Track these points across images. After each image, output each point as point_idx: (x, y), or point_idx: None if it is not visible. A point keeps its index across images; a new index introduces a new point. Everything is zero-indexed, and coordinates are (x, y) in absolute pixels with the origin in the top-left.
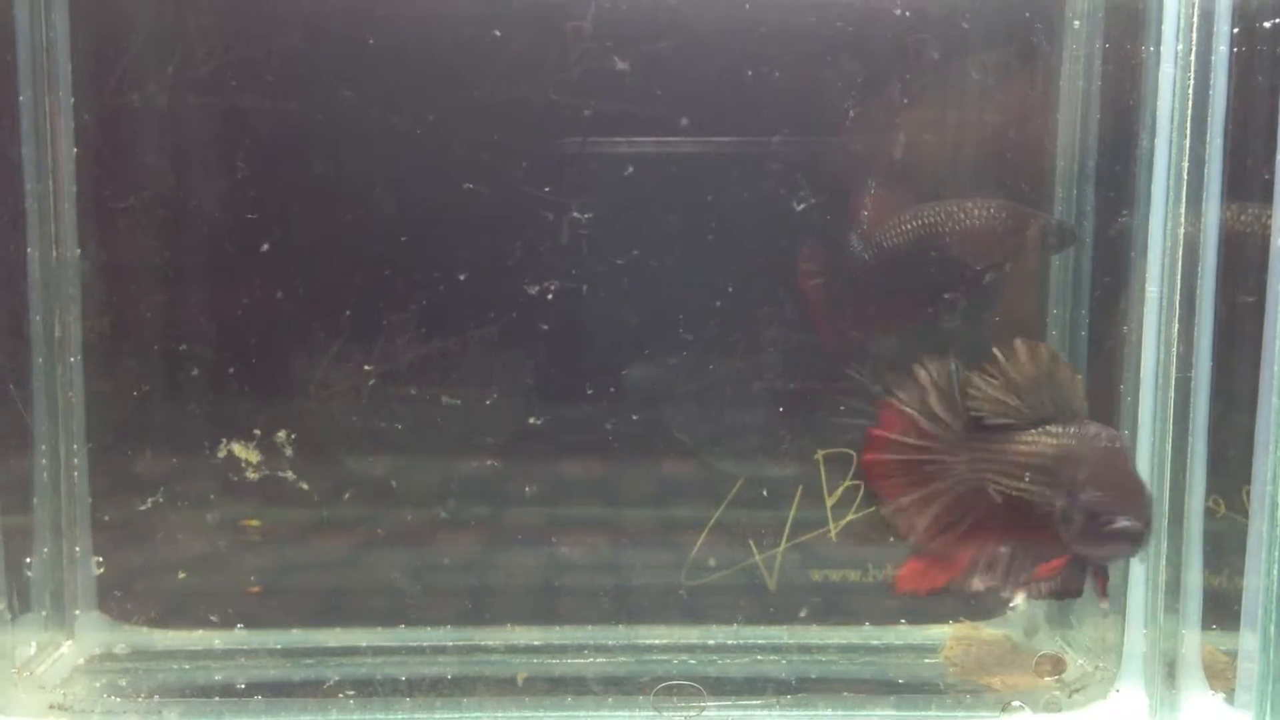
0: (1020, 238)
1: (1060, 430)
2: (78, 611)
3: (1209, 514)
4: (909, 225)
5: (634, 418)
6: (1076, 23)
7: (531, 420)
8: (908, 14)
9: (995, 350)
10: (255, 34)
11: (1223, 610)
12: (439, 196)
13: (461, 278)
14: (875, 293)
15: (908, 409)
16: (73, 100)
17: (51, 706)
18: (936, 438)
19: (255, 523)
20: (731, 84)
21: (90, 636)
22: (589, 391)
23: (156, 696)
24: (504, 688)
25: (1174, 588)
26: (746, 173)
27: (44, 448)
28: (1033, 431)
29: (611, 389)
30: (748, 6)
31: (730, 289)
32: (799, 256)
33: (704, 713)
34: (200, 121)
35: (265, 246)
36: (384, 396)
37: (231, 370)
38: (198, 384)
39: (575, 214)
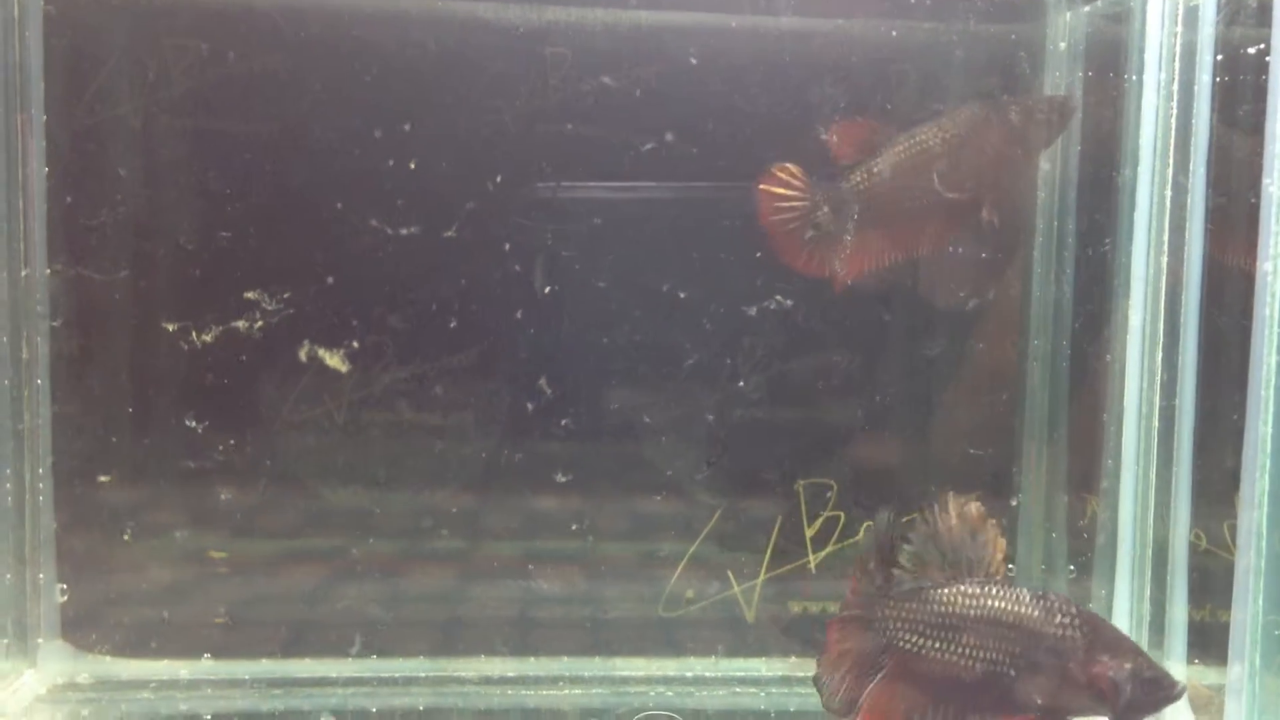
0: (1019, 128)
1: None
2: (40, 640)
3: (1191, 548)
4: (902, 148)
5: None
6: (1062, 44)
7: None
8: (893, 34)
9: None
10: (230, 55)
11: (1207, 644)
12: (417, 218)
13: (444, 301)
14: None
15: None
16: (45, 119)
17: None
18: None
19: (222, 554)
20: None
21: (53, 665)
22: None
23: None
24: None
25: (1158, 621)
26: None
27: (8, 472)
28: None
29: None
30: None
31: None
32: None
33: None
34: (173, 141)
35: (239, 267)
36: (360, 423)
37: (204, 396)
38: (169, 408)
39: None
